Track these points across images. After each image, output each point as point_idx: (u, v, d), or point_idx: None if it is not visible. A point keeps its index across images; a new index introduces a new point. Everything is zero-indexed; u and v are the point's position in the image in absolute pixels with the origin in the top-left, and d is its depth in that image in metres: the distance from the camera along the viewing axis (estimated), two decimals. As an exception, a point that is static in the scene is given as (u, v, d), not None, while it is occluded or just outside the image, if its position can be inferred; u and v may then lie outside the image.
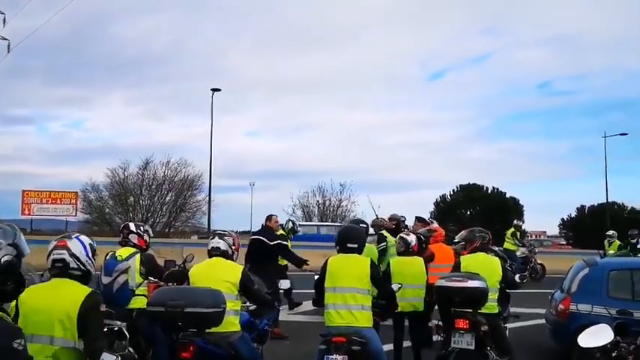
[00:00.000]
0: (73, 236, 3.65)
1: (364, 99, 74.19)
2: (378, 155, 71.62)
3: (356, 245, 5.33)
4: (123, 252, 5.84)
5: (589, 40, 73.99)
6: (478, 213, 48.26)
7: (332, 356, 4.88)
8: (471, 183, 52.01)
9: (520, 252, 17.28)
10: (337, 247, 5.40)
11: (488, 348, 5.64)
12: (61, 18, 65.28)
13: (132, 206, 38.57)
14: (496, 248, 15.72)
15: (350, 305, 5.08)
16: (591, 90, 78.56)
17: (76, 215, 36.02)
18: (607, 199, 39.51)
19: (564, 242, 52.77)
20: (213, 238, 5.24)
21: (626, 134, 38.99)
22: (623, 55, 72.31)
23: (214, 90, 33.29)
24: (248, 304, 5.37)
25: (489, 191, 51.67)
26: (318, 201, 39.64)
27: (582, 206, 51.59)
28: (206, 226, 34.48)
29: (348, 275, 5.14)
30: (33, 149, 68.81)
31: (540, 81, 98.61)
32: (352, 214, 37.06)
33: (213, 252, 5.14)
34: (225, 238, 5.22)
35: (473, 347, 5.48)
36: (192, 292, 4.70)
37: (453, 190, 52.55)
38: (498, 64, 77.10)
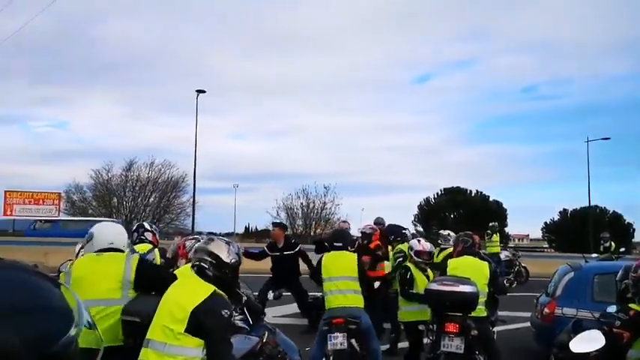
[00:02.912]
0: None
1: (348, 102, 74.30)
2: (361, 158, 71.87)
3: (341, 244, 6.64)
4: (141, 248, 6.31)
5: (572, 45, 74.78)
6: (462, 216, 48.61)
7: (333, 334, 5.99)
8: (455, 186, 52.39)
9: (504, 255, 17.37)
10: (327, 247, 6.77)
11: (477, 352, 5.68)
12: (45, 18, 64.65)
13: (115, 207, 38.33)
14: (481, 252, 15.92)
15: (343, 290, 6.23)
16: (575, 94, 79.53)
17: (58, 216, 35.69)
18: (589, 202, 39.90)
19: (547, 246, 53.30)
20: (197, 242, 4.96)
21: (608, 139, 39.19)
22: (606, 59, 73.18)
23: (199, 92, 33.14)
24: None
25: (473, 194, 52.05)
26: (302, 203, 39.60)
27: (565, 210, 52.12)
28: (190, 228, 34.33)
29: (340, 267, 6.37)
30: (16, 149, 67.96)
31: (524, 85, 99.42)
32: (336, 216, 37.06)
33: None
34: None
35: (462, 351, 5.52)
36: None
37: (437, 194, 52.91)
38: (482, 69, 77.62)
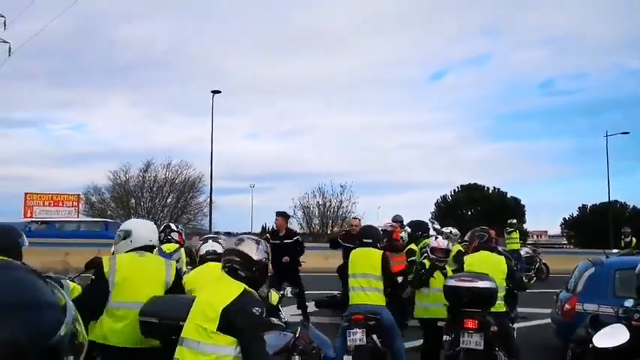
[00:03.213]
0: None
1: (363, 101, 74.04)
2: (377, 157, 71.55)
3: (370, 240, 6.60)
4: (167, 247, 6.60)
5: (590, 40, 73.93)
6: (479, 213, 48.29)
7: (352, 330, 6.04)
8: (472, 183, 52.10)
9: (524, 252, 17.25)
10: (357, 242, 6.82)
11: (497, 348, 5.62)
12: (62, 21, 65.26)
13: (133, 208, 38.57)
14: (500, 248, 15.88)
15: (364, 288, 6.33)
16: (593, 89, 78.46)
17: (78, 217, 36.06)
18: (609, 198, 39.43)
19: (566, 242, 52.83)
20: (206, 242, 5.00)
21: (627, 133, 38.74)
22: (624, 53, 72.25)
23: (214, 92, 33.31)
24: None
25: (490, 191, 51.71)
26: (318, 202, 39.57)
27: (584, 205, 51.61)
28: (207, 228, 34.48)
29: (365, 264, 6.42)
30: (35, 152, 68.75)
31: (541, 81, 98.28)
32: (353, 214, 36.99)
33: (209, 256, 4.89)
34: (220, 241, 5.03)
35: (482, 347, 5.46)
36: (188, 303, 3.91)
37: (454, 191, 52.65)
38: (499, 65, 76.91)
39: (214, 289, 3.57)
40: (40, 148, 68.01)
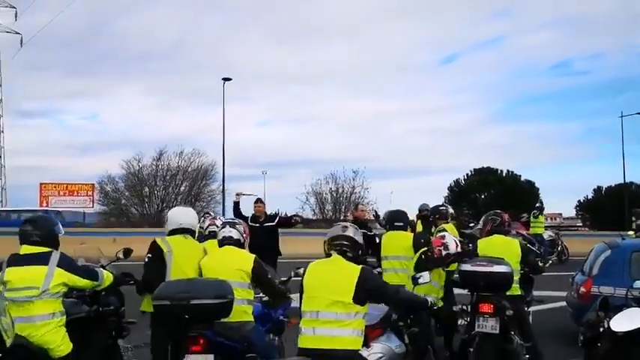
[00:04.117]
0: None
1: (375, 86, 73.90)
2: (390, 142, 71.39)
3: (402, 224, 6.99)
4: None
5: (603, 20, 72.89)
6: (492, 197, 47.99)
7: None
8: (485, 167, 51.71)
9: (547, 235, 17.64)
10: (387, 227, 7.10)
11: (513, 332, 5.60)
12: (74, 12, 65.47)
13: (147, 197, 38.69)
14: (524, 232, 16.10)
15: (397, 269, 6.66)
16: (606, 70, 77.65)
17: (92, 207, 36.40)
18: (624, 179, 39.07)
19: (580, 224, 52.41)
20: (224, 227, 5.07)
21: (643, 113, 38.18)
22: (638, 33, 71.18)
23: (225, 79, 33.30)
24: (261, 295, 5.25)
25: (504, 174, 51.35)
26: (331, 188, 39.43)
27: (599, 187, 51.10)
28: (221, 215, 34.57)
29: (396, 246, 6.75)
30: (49, 142, 69.34)
31: (554, 62, 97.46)
32: (366, 200, 36.90)
33: (226, 241, 4.97)
34: (237, 226, 5.06)
35: (497, 331, 5.43)
36: (198, 284, 4.53)
37: (467, 175, 52.32)
38: (511, 47, 76.31)
39: (337, 269, 4.10)
40: (54, 139, 68.67)
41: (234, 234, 4.99)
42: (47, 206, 34.20)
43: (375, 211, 11.59)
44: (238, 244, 4.98)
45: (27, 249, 4.31)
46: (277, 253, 9.81)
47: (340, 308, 3.96)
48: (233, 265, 4.76)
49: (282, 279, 5.78)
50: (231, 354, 4.49)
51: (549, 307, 9.18)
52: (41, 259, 4.23)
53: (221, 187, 36.50)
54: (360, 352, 4.02)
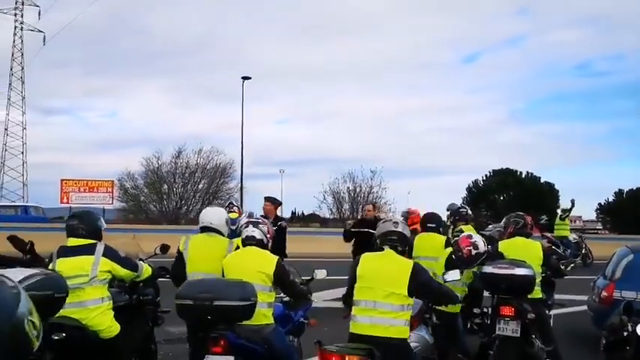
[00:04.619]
0: None
1: (395, 85, 73.69)
2: (409, 141, 71.30)
3: (434, 225, 7.19)
4: (232, 215, 7.87)
5: (627, 20, 71.91)
6: (512, 198, 47.63)
7: None
8: (505, 168, 51.35)
9: (572, 238, 17.56)
10: (421, 229, 7.34)
11: (534, 336, 5.54)
12: (95, 10, 66.13)
13: (166, 194, 38.98)
14: (549, 235, 16.10)
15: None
16: (630, 70, 76.60)
17: (112, 203, 36.68)
18: (646, 182, 38.49)
19: (601, 227, 51.80)
20: (247, 227, 5.01)
21: (666, 115, 37.68)
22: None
23: (245, 78, 33.45)
24: (282, 295, 5.22)
25: (523, 176, 50.92)
26: (348, 187, 39.39)
27: (620, 190, 50.47)
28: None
29: (427, 247, 6.93)
30: (71, 139, 70.18)
31: (577, 62, 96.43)
32: (383, 200, 36.80)
33: (248, 241, 4.93)
34: (260, 226, 5.01)
35: (518, 335, 5.38)
36: (221, 285, 4.51)
37: (486, 175, 51.96)
38: (534, 46, 75.77)
39: (390, 263, 4.44)
40: (75, 136, 69.45)
41: (257, 234, 4.94)
42: (68, 202, 34.61)
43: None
44: (261, 244, 4.93)
45: (74, 241, 4.80)
46: (284, 255, 9.71)
47: (395, 300, 4.31)
48: (254, 267, 4.73)
49: (305, 278, 5.77)
50: (251, 356, 4.49)
51: (570, 310, 9.07)
52: (88, 250, 4.72)
53: (239, 185, 36.72)
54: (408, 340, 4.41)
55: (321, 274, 6.00)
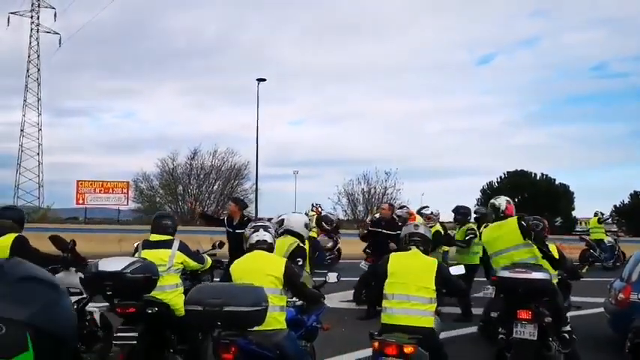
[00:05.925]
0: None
1: (410, 86, 73.61)
2: (423, 142, 71.20)
3: (460, 217, 9.16)
4: None
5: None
6: (526, 200, 47.31)
7: None
8: (519, 169, 50.95)
9: (607, 241, 17.94)
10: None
11: (551, 339, 5.57)
12: (111, 12, 66.69)
13: (181, 195, 39.21)
14: (587, 238, 16.59)
15: None
16: (644, 72, 75.68)
17: (127, 204, 36.98)
18: (662, 184, 38.11)
19: (616, 229, 51.33)
20: (257, 231, 4.94)
21: (682, 117, 37.32)
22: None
23: (260, 80, 33.63)
24: (294, 299, 5.16)
25: (538, 178, 50.59)
26: (363, 189, 39.46)
27: (636, 192, 49.95)
28: (253, 214, 34.85)
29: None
30: (86, 140, 70.78)
31: (594, 64, 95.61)
32: (398, 201, 36.81)
33: (259, 245, 4.87)
34: (270, 230, 5.00)
35: (535, 338, 5.40)
36: (232, 290, 4.33)
37: (500, 177, 51.55)
38: (549, 47, 75.42)
39: (417, 261, 5.14)
40: (91, 137, 70.00)
41: (269, 238, 4.92)
42: (84, 203, 35.01)
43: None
44: (271, 249, 4.92)
45: (155, 237, 5.81)
46: None
47: (425, 293, 4.95)
48: (263, 270, 4.66)
49: (317, 280, 5.82)
50: None
51: (587, 313, 9.06)
52: (166, 245, 5.73)
53: (254, 187, 36.88)
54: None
55: (332, 277, 5.92)
